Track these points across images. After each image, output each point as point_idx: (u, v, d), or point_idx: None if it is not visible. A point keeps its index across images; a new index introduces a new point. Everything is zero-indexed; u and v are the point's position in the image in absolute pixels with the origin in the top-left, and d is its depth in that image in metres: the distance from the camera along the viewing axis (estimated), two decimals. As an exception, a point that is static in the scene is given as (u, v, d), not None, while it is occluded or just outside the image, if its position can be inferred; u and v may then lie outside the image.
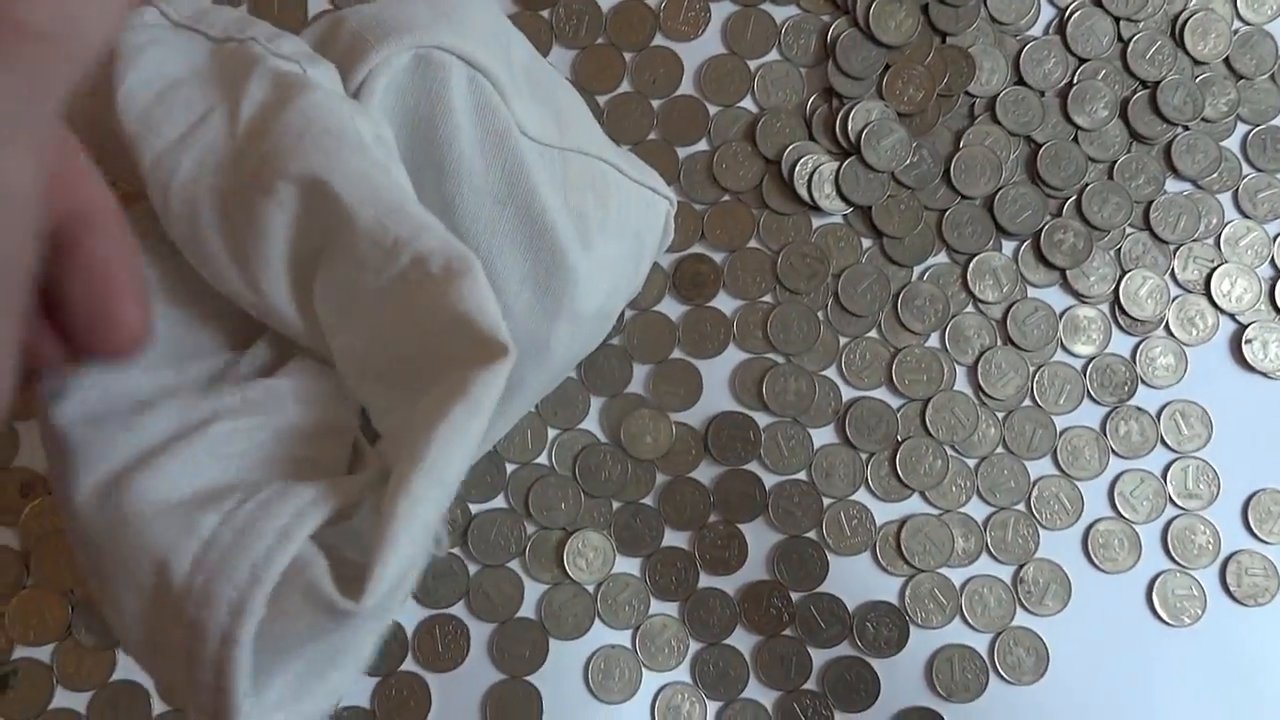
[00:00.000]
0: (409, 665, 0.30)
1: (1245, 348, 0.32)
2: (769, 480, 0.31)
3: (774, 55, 0.33)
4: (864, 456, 0.31)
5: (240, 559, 0.17)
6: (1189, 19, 0.33)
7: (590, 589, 0.31)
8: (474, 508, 0.31)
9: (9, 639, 0.29)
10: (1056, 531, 0.31)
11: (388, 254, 0.19)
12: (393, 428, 0.21)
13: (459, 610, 0.31)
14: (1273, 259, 0.32)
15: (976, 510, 0.32)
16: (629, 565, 0.31)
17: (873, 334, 0.32)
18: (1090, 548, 0.31)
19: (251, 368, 0.22)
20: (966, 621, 0.31)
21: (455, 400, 0.17)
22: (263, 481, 0.19)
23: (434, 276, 0.18)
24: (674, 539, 0.31)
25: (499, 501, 0.31)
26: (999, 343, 0.32)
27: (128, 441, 0.19)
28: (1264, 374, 0.32)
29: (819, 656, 0.31)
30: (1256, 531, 0.31)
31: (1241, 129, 0.33)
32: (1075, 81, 0.33)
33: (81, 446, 0.19)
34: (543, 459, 0.31)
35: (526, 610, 0.31)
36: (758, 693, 0.30)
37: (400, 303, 0.19)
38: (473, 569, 0.31)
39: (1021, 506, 0.31)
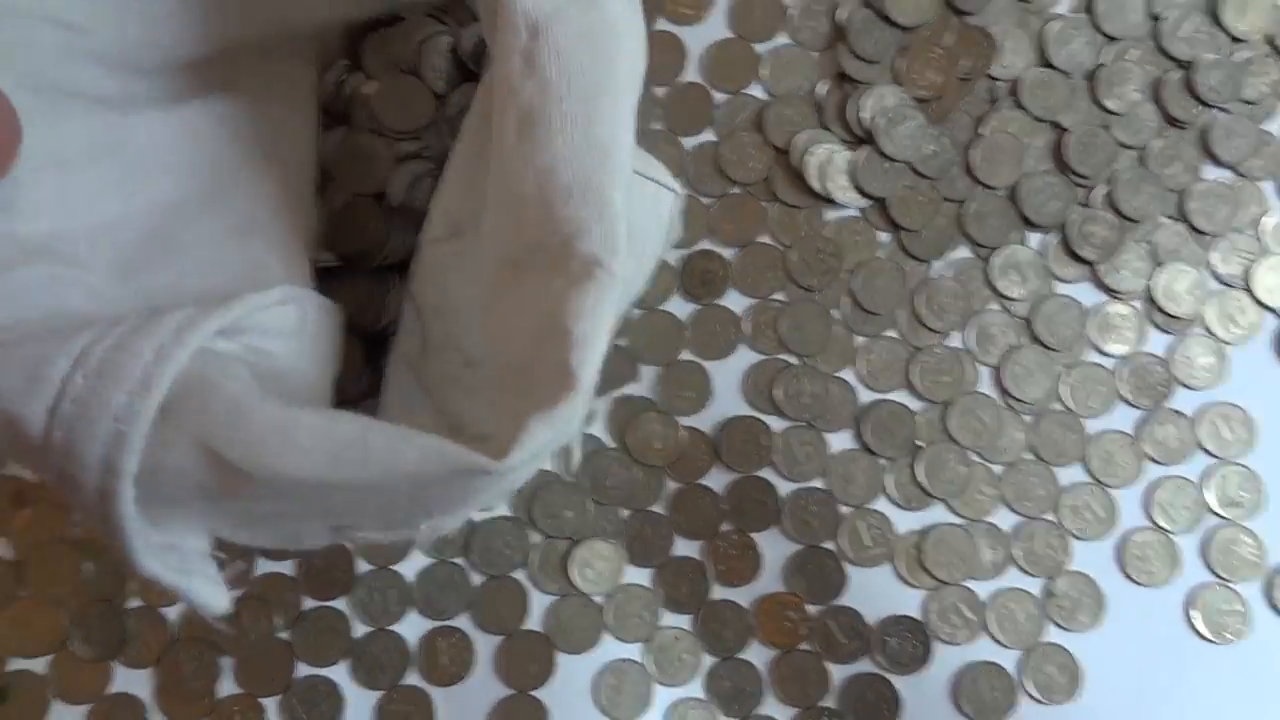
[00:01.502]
0: (412, 679, 0.29)
1: (1290, 344, 0.30)
2: (784, 488, 0.30)
3: (783, 39, 0.31)
4: (883, 463, 0.30)
5: (102, 407, 0.16)
6: (1227, -6, 0.31)
7: (599, 600, 0.30)
8: (476, 516, 0.30)
9: (2, 651, 0.29)
10: (1089, 542, 0.30)
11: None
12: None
13: (463, 622, 0.29)
14: (1320, 249, 0.30)
15: (1003, 520, 0.30)
16: (639, 576, 0.30)
17: (891, 333, 0.30)
18: (1125, 560, 0.29)
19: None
20: (994, 637, 0.29)
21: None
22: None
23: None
24: (685, 548, 0.30)
25: (503, 510, 0.30)
26: (1025, 342, 0.30)
27: None
28: (1311, 372, 0.30)
29: (838, 672, 0.29)
30: (1304, 540, 0.29)
31: (1284, 111, 0.31)
32: (1105, 63, 0.31)
33: None
34: (547, 465, 0.30)
35: (533, 623, 0.29)
36: (775, 709, 0.29)
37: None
38: (476, 580, 0.29)
39: (1051, 516, 0.30)
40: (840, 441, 0.30)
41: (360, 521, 0.20)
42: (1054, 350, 0.30)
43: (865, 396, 0.30)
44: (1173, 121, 0.31)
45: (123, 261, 0.22)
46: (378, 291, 0.26)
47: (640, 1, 0.20)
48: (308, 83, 0.27)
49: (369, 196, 0.27)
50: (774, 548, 0.30)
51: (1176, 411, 0.30)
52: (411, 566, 0.29)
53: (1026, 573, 0.30)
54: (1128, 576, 0.29)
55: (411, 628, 0.29)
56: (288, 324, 0.21)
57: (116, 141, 0.23)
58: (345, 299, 0.26)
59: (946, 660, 0.29)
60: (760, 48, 0.31)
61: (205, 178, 0.24)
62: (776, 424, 0.30)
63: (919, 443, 0.30)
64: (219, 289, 0.22)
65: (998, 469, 0.30)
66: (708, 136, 0.31)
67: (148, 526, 0.17)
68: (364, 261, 0.26)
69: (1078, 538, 0.30)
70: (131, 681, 0.29)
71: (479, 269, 0.23)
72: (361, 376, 0.27)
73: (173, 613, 0.29)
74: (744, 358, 0.30)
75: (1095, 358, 0.30)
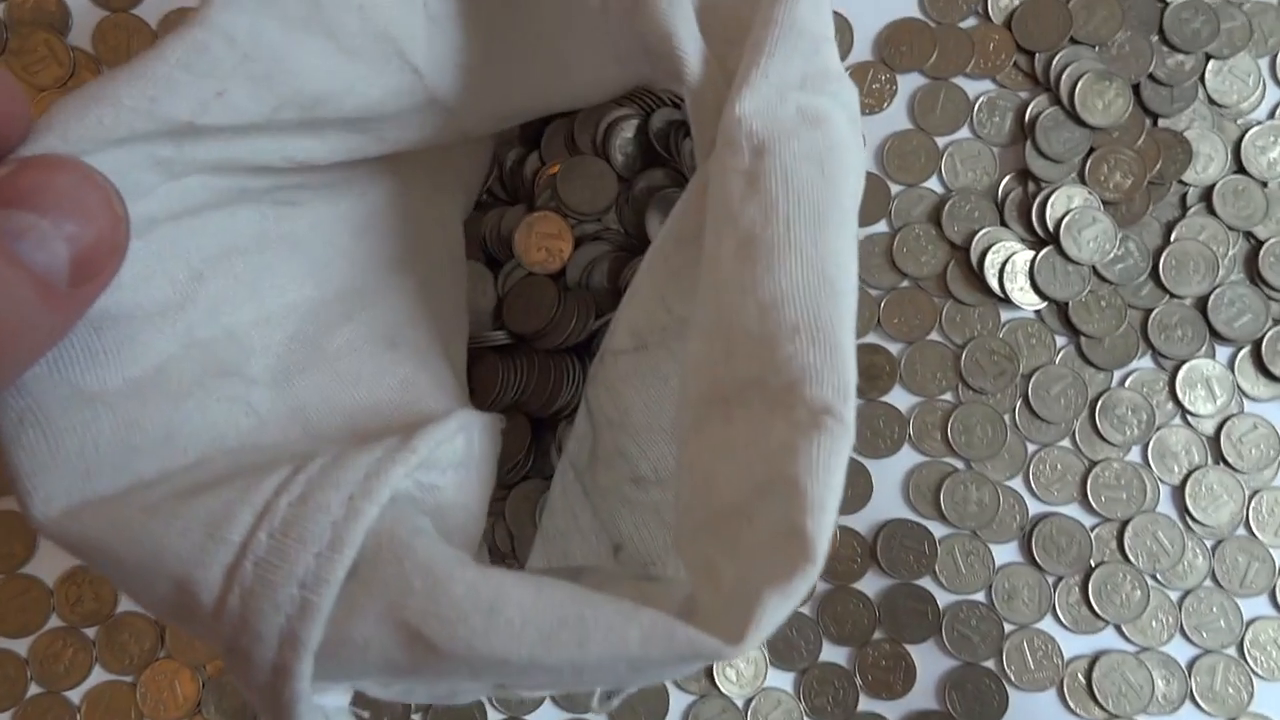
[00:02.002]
0: (542, 770, 0.28)
1: None
2: (943, 599, 0.28)
3: (965, 133, 0.30)
4: (1051, 580, 0.28)
5: (287, 570, 0.15)
6: None
7: (739, 703, 0.28)
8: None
9: (140, 710, 0.28)
10: (1275, 683, 0.28)
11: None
12: None
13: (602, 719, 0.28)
14: None
15: (1180, 650, 0.28)
16: (782, 680, 0.28)
17: (1065, 443, 0.29)
18: (1318, 706, 0.27)
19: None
20: (1168, 779, 0.27)
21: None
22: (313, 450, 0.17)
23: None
24: (833, 654, 0.28)
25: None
26: (1210, 461, 0.29)
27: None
28: None
29: (991, 801, 0.28)
30: None
31: None
32: (1305, 173, 0.29)
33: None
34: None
35: (669, 721, 0.28)
36: (918, 834, 0.28)
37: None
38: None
39: (1233, 650, 0.28)
40: (1006, 554, 0.29)
41: (531, 683, 0.17)
42: (1241, 472, 0.28)
43: (1035, 508, 0.29)
44: (1377, 238, 0.29)
45: (278, 368, 0.21)
46: (551, 375, 0.26)
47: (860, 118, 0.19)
48: (476, 171, 0.27)
49: (546, 276, 0.26)
50: (929, 662, 0.28)
51: (1376, 549, 0.28)
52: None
53: (1204, 711, 0.28)
54: (1320, 726, 0.27)
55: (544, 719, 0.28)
56: (457, 455, 0.19)
57: (284, 233, 0.22)
58: (515, 379, 0.26)
59: (1115, 800, 0.27)
60: (941, 141, 0.30)
61: (353, 275, 0.23)
62: (939, 530, 0.29)
63: (1091, 561, 0.28)
64: (367, 405, 0.21)
65: (1175, 595, 0.28)
66: (881, 228, 0.30)
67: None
68: (538, 341, 0.26)
69: (1262, 677, 0.28)
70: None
71: (661, 387, 0.22)
72: (527, 459, 0.26)
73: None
74: (908, 458, 0.29)
75: (1286, 484, 0.28)
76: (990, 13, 0.30)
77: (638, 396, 0.22)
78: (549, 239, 0.27)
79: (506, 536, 0.27)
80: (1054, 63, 0.30)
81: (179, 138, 0.17)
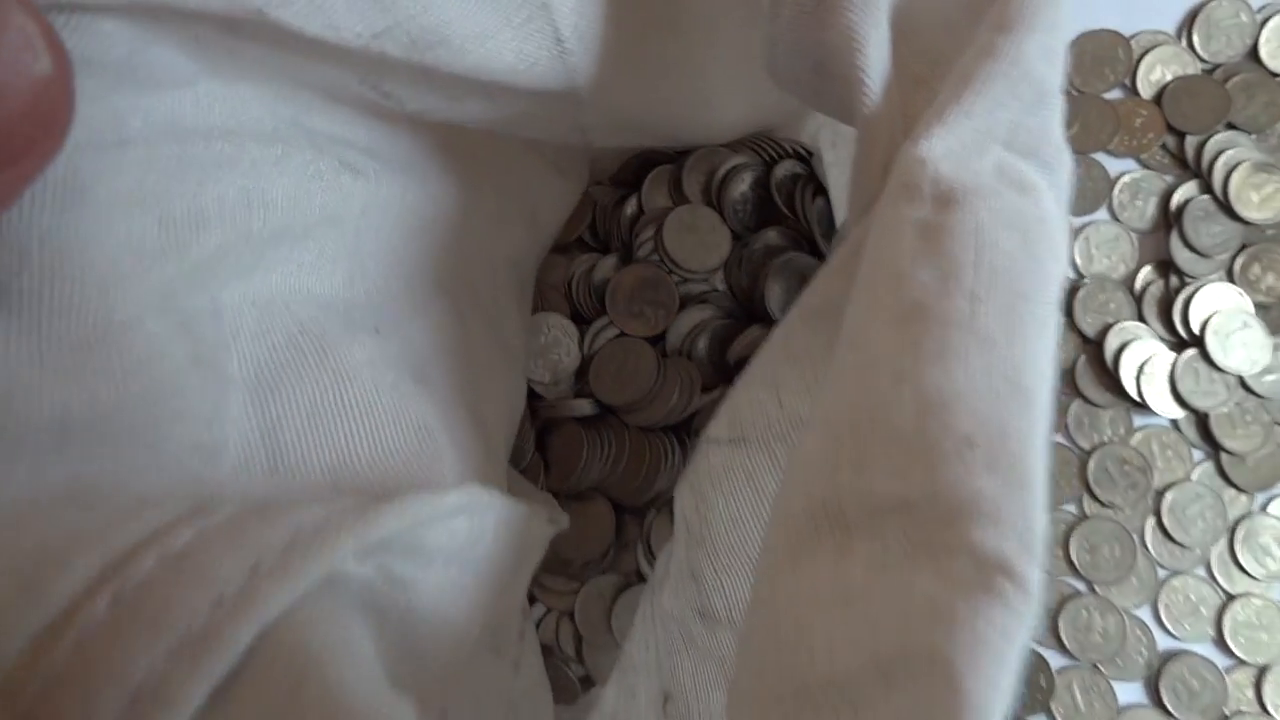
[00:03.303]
0: None
1: None
2: (1058, 741, 0.25)
3: (1103, 214, 0.27)
4: (1181, 728, 0.25)
5: (119, 662, 0.10)
6: None
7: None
8: None
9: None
10: None
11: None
12: None
13: None
14: None
15: (1324, 821, 0.25)
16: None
17: (1200, 571, 0.26)
18: None
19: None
20: None
21: None
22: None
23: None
24: (924, 795, 0.25)
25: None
26: (1361, 604, 0.25)
27: None
28: None
29: None
30: None
31: None
32: None
33: None
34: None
35: None
36: None
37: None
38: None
39: (1384, 825, 0.24)
40: (1131, 693, 0.25)
41: None
42: (1394, 620, 0.25)
43: (1165, 643, 0.25)
44: None
45: (265, 370, 0.16)
46: (646, 456, 0.22)
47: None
48: (558, 206, 0.24)
49: (643, 339, 0.23)
50: (1038, 812, 0.25)
51: None
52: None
53: None
54: None
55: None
56: (453, 543, 0.14)
57: (329, 205, 0.17)
58: (600, 456, 0.22)
59: None
60: (1078, 221, 0.27)
61: (393, 281, 0.18)
62: (1057, 661, 0.25)
63: (1225, 710, 0.25)
64: (367, 449, 0.16)
65: (1317, 756, 0.25)
66: (1007, 312, 0.27)
67: None
68: (630, 415, 0.22)
69: None
70: None
71: (754, 499, 0.18)
72: (604, 555, 0.22)
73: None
74: (1023, 575, 0.26)
75: None
76: (1139, 86, 0.27)
77: (724, 505, 0.18)
78: (648, 297, 0.23)
79: (572, 638, 0.23)
80: (1206, 147, 0.27)
81: (237, 28, 0.13)
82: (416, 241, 0.19)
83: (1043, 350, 0.13)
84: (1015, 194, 0.13)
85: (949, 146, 0.13)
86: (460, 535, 0.14)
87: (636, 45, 0.18)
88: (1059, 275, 0.14)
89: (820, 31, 0.15)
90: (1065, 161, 0.14)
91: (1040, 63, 0.14)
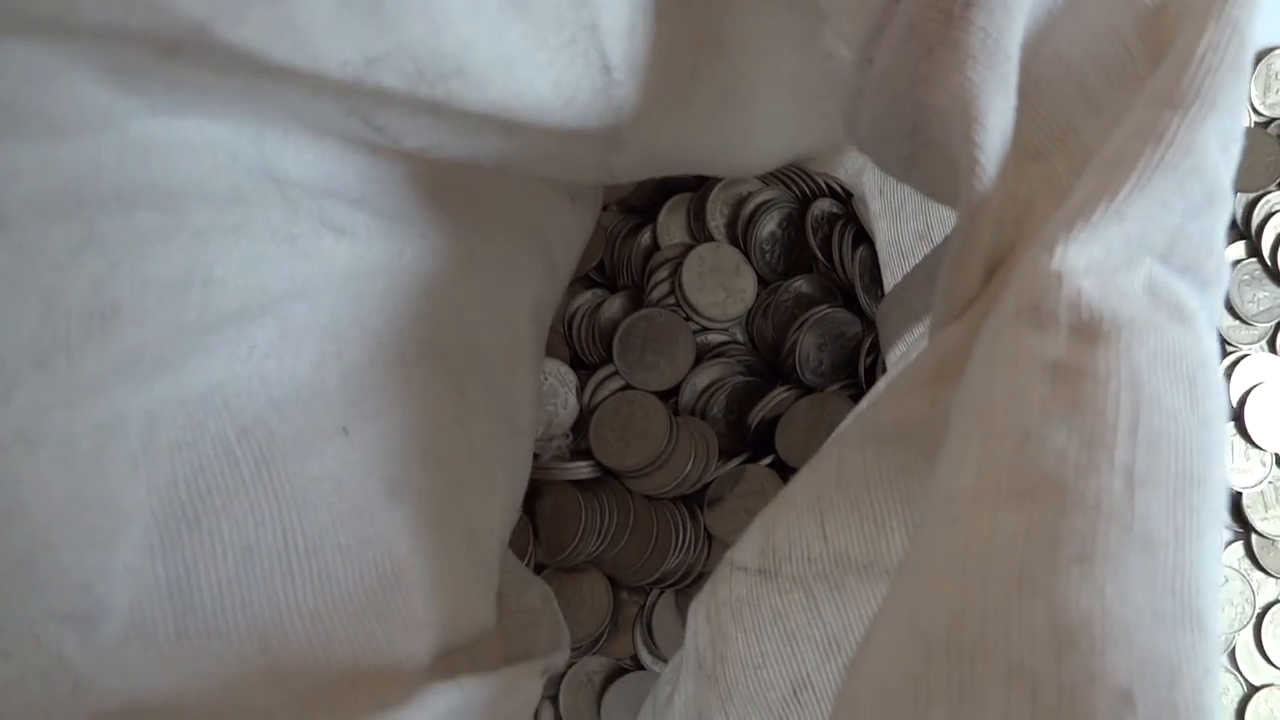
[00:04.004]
0: None
1: None
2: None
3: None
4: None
5: None
6: None
7: None
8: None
9: None
10: None
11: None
12: None
13: None
14: None
15: None
16: None
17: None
18: None
19: None
20: None
21: None
22: None
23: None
24: None
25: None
26: (1383, 702, 0.24)
27: None
28: None
29: None
30: None
31: None
32: None
33: None
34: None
35: None
36: None
37: None
38: None
39: None
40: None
41: None
42: None
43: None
44: None
45: (184, 496, 0.12)
46: (653, 529, 0.19)
47: None
48: (571, 244, 0.20)
49: (653, 394, 0.20)
50: None
51: None
52: None
53: None
54: None
55: None
56: None
57: (306, 273, 0.14)
58: (599, 526, 0.20)
59: None
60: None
61: (370, 361, 0.15)
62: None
63: (1242, 811, 0.23)
64: (312, 604, 0.13)
65: None
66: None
67: None
68: (635, 481, 0.20)
69: None
70: None
71: (781, 642, 0.15)
72: (596, 640, 0.20)
73: None
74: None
75: None
76: (1190, 136, 0.25)
77: (745, 644, 0.15)
78: (661, 346, 0.20)
79: (555, 726, 0.20)
80: (1258, 207, 0.25)
81: (177, 51, 0.10)
82: (414, 306, 0.16)
83: (1216, 558, 0.10)
84: (1176, 326, 0.11)
85: (1094, 257, 0.10)
86: None
87: (688, 74, 0.15)
88: (1225, 443, 0.11)
89: (926, 90, 0.12)
90: (1224, 280, 0.11)
91: (1216, 153, 0.11)
